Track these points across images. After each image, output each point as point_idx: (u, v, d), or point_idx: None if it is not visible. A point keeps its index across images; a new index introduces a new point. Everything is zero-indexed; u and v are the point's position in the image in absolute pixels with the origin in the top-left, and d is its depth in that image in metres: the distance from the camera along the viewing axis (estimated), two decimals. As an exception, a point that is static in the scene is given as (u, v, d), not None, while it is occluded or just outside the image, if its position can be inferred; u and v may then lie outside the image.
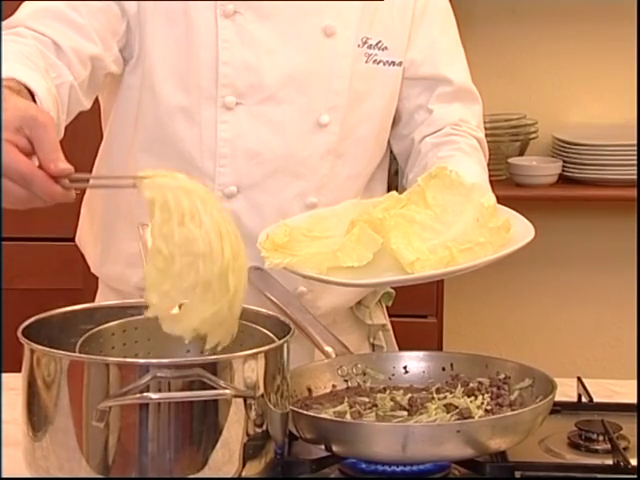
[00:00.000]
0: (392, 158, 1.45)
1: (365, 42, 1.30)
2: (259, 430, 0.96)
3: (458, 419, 1.05)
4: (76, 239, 1.42)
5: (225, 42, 1.24)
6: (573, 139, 2.62)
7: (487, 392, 1.12)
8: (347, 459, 1.04)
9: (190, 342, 1.00)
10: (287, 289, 1.25)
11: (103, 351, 1.02)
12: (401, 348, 1.55)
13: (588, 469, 1.03)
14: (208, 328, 0.94)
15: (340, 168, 1.31)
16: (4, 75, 1.03)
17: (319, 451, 1.05)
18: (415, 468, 1.02)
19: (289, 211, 1.27)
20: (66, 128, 1.23)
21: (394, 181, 1.50)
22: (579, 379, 1.24)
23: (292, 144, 1.28)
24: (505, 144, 2.64)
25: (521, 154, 2.67)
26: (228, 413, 0.93)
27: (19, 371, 0.97)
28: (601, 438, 1.09)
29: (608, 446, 1.07)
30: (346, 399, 1.12)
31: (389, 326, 1.50)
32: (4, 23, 1.23)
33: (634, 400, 1.23)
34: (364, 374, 1.20)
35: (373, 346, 1.47)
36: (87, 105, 1.27)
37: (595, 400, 1.21)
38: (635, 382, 1.28)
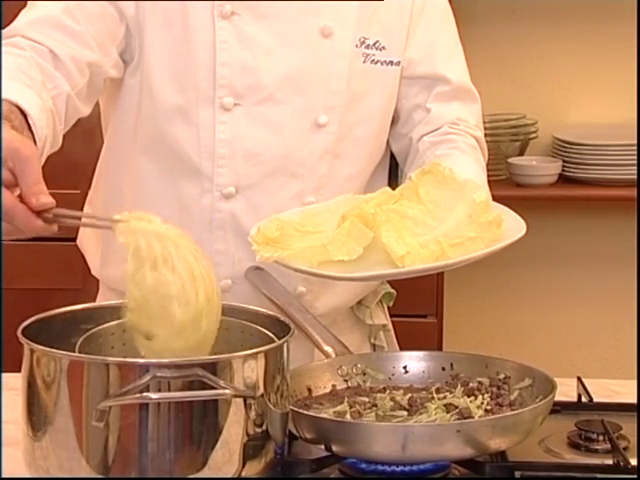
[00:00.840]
0: (393, 161, 1.46)
1: (363, 42, 1.30)
2: (259, 430, 0.96)
3: (458, 419, 1.05)
4: (77, 241, 1.42)
5: (223, 43, 1.24)
6: (573, 139, 2.63)
7: (487, 392, 1.12)
8: (347, 459, 1.04)
9: None
10: (287, 289, 1.25)
11: (103, 351, 1.02)
12: (401, 348, 1.55)
13: (588, 469, 1.03)
14: (186, 355, 0.95)
15: (339, 168, 1.31)
16: None
17: (319, 451, 1.05)
18: (415, 468, 1.03)
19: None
20: (68, 133, 1.24)
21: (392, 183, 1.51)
22: (579, 379, 1.24)
23: (290, 144, 1.28)
24: (505, 144, 2.64)
25: (521, 154, 2.68)
26: (228, 413, 0.93)
27: (19, 371, 0.97)
28: (601, 438, 1.10)
29: (608, 446, 1.07)
30: (346, 399, 1.13)
31: (390, 326, 1.50)
32: (3, 32, 1.23)
33: (634, 400, 1.23)
34: (364, 374, 1.20)
35: (374, 346, 1.47)
36: (86, 112, 1.28)
37: (595, 400, 1.21)
38: (635, 382, 1.28)
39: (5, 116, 1.01)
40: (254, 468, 0.97)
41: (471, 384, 1.15)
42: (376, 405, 1.11)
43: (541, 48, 2.83)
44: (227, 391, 0.91)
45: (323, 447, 1.05)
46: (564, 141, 2.64)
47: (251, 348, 0.96)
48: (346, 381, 1.19)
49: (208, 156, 1.26)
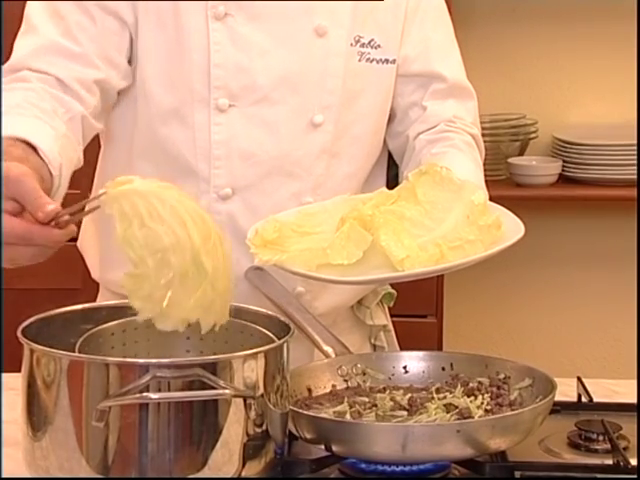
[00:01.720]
0: (392, 159, 1.47)
1: (358, 41, 1.30)
2: (259, 430, 0.97)
3: (458, 419, 1.05)
4: (78, 244, 1.42)
5: (216, 44, 1.24)
6: (573, 139, 2.64)
7: (487, 392, 1.12)
8: (347, 459, 1.04)
9: (189, 337, 1.01)
10: (286, 289, 1.25)
11: (103, 351, 1.02)
12: (401, 348, 1.55)
13: (588, 469, 1.03)
14: (197, 314, 0.94)
15: (336, 167, 1.31)
16: (4, 134, 1.03)
17: (319, 451, 1.06)
18: (415, 468, 1.03)
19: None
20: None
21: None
22: (579, 379, 1.24)
23: (286, 144, 1.28)
24: (505, 144, 2.65)
25: (521, 154, 2.69)
26: (228, 413, 0.93)
27: (19, 371, 0.97)
28: (601, 438, 1.10)
29: (608, 446, 1.07)
30: (346, 399, 1.13)
31: (390, 327, 1.50)
32: (6, 66, 1.23)
33: (634, 400, 1.23)
34: (364, 374, 1.20)
35: (374, 347, 1.47)
36: (100, 127, 1.28)
37: (595, 400, 1.22)
38: (635, 382, 1.28)
39: (5, 151, 1.01)
40: (254, 468, 0.97)
41: (471, 384, 1.15)
42: (376, 405, 1.11)
43: (541, 48, 2.83)
44: (227, 391, 0.91)
45: (323, 447, 1.05)
46: (564, 141, 2.65)
47: (251, 348, 0.96)
48: (346, 381, 1.19)
49: (204, 157, 1.26)
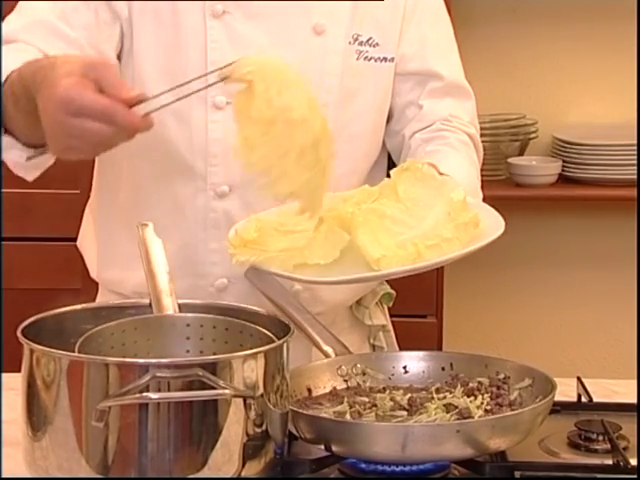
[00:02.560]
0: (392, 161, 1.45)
1: (356, 39, 1.30)
2: (259, 430, 0.97)
3: (458, 419, 1.06)
4: (77, 243, 1.42)
5: (214, 42, 1.24)
6: (573, 139, 2.64)
7: (487, 392, 1.13)
8: (347, 459, 1.04)
9: (189, 337, 1.02)
10: (286, 288, 1.24)
11: (102, 351, 1.02)
12: (401, 348, 1.55)
13: (588, 469, 1.03)
14: (303, 194, 0.99)
15: (334, 166, 1.29)
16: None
17: (319, 451, 1.06)
18: (415, 468, 1.03)
19: None
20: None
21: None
22: (579, 379, 1.25)
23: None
24: (505, 144, 2.66)
25: (521, 154, 2.70)
26: (228, 413, 0.93)
27: (19, 371, 0.97)
28: (601, 438, 1.10)
29: (608, 446, 1.07)
30: (346, 399, 1.13)
31: (390, 327, 1.50)
32: None
33: (634, 400, 1.23)
34: (364, 374, 1.20)
35: (373, 347, 1.47)
36: None
37: (595, 400, 1.22)
38: (635, 382, 1.29)
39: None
40: (254, 468, 0.97)
41: (471, 384, 1.15)
42: (376, 405, 1.11)
43: (541, 48, 2.84)
44: (227, 391, 0.91)
45: (323, 447, 1.05)
46: (564, 141, 2.66)
47: (251, 348, 0.96)
48: (346, 381, 1.19)
49: (201, 155, 1.26)
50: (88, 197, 1.44)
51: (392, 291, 1.47)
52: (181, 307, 1.08)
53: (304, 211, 1.05)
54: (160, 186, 1.31)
